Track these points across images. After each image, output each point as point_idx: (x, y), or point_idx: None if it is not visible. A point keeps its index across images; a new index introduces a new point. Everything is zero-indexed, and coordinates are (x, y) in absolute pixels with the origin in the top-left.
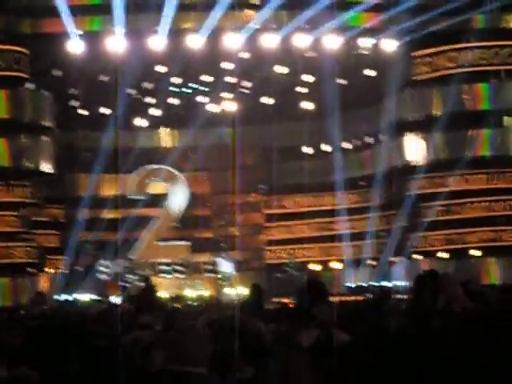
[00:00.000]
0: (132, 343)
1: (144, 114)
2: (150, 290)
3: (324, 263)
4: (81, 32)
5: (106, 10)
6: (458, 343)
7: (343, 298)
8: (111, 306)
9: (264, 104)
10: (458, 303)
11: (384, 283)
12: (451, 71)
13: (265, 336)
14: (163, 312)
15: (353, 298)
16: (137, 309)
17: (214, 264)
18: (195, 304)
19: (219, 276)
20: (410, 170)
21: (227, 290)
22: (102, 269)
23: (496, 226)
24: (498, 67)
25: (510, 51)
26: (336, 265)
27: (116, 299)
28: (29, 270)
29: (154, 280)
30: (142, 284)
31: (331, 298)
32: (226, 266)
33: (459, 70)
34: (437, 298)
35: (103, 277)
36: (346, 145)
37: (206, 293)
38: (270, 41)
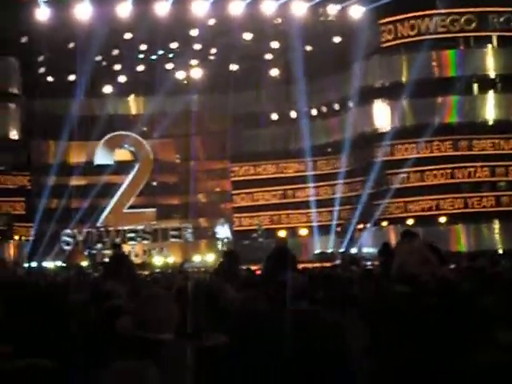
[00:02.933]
0: (99, 310)
1: (111, 80)
2: (118, 257)
3: (291, 230)
4: None
5: None
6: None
7: (310, 265)
8: (79, 273)
9: (231, 71)
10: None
11: (352, 250)
12: (418, 38)
13: (234, 302)
14: (131, 278)
15: (319, 264)
16: (104, 276)
17: (212, 229)
18: (162, 270)
19: (218, 241)
20: (377, 136)
21: (194, 257)
22: (67, 237)
23: (462, 193)
24: (456, 34)
25: (469, 18)
26: (304, 231)
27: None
28: None
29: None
30: (110, 251)
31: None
32: (223, 231)
33: (426, 37)
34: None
35: (69, 244)
36: (313, 111)
37: (173, 259)
38: (237, 7)
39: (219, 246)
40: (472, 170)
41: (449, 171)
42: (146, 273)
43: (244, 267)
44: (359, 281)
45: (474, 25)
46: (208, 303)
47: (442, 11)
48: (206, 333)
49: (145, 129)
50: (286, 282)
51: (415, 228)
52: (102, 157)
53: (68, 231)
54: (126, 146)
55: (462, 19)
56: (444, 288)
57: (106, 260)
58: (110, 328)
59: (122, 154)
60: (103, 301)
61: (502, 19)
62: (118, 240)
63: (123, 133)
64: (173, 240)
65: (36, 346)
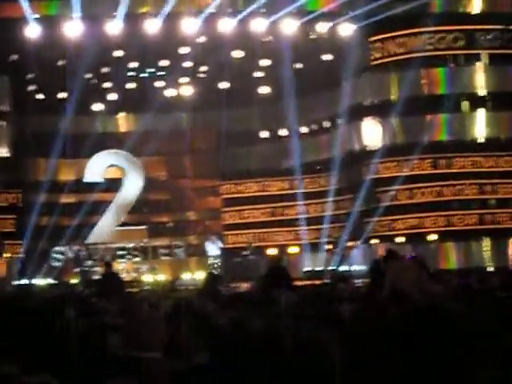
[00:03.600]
0: (90, 327)
1: (101, 98)
2: (109, 275)
3: (282, 248)
4: (38, 16)
5: None
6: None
7: (300, 283)
8: (71, 291)
9: (221, 88)
10: (413, 288)
11: (342, 268)
12: (408, 56)
13: (219, 321)
14: (121, 297)
15: (309, 282)
16: (95, 293)
17: (203, 246)
18: (151, 288)
19: (209, 259)
20: (367, 154)
21: (184, 275)
22: (57, 255)
23: (453, 211)
24: (445, 52)
25: (457, 36)
26: (294, 249)
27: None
28: None
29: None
30: (101, 269)
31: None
32: (213, 249)
33: (416, 55)
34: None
35: (59, 262)
36: (303, 129)
37: (163, 277)
38: (227, 25)
39: (209, 264)
40: (461, 187)
41: (438, 189)
42: (136, 290)
43: (234, 285)
44: (349, 299)
45: (462, 42)
46: (194, 322)
47: (430, 29)
48: (193, 351)
49: (135, 146)
50: (279, 300)
51: (405, 246)
52: (92, 174)
53: (58, 248)
54: (116, 163)
55: (450, 37)
56: (433, 307)
57: (97, 277)
58: (99, 345)
59: (113, 172)
60: (93, 317)
61: (489, 37)
62: (108, 258)
63: (114, 150)
64: (163, 258)
65: (34, 363)
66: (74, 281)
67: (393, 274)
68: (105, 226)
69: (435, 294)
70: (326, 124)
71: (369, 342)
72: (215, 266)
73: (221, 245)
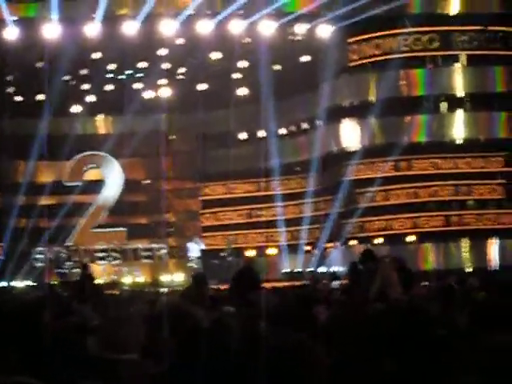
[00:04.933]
0: (66, 329)
1: (80, 100)
2: (85, 277)
3: (260, 249)
4: (16, 18)
5: None
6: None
7: (277, 284)
8: (51, 293)
9: (199, 90)
10: (393, 289)
11: (320, 269)
12: (386, 57)
13: (203, 323)
14: (98, 299)
15: (288, 284)
16: (71, 296)
17: (182, 248)
18: (130, 290)
19: (189, 260)
20: (345, 155)
21: (164, 277)
22: (37, 256)
23: (431, 212)
24: (423, 53)
25: (435, 37)
26: (272, 251)
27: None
28: None
29: (92, 267)
30: (79, 271)
31: (266, 284)
32: (194, 251)
33: (394, 56)
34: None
35: (39, 264)
36: (281, 130)
37: (143, 279)
38: (205, 27)
39: (190, 265)
40: (439, 188)
41: (416, 190)
42: (115, 292)
43: (213, 286)
44: (327, 301)
45: (439, 43)
46: (174, 323)
47: (408, 30)
48: (172, 353)
49: (113, 148)
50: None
51: (384, 247)
52: (71, 176)
53: (39, 249)
54: (95, 165)
55: (428, 38)
56: (415, 308)
57: (73, 279)
58: (76, 347)
59: (91, 174)
60: (69, 319)
61: (467, 38)
62: (86, 259)
63: (92, 152)
64: (144, 260)
65: (8, 364)
66: (53, 282)
67: (383, 276)
68: (84, 228)
69: (417, 296)
70: (305, 125)
71: (347, 345)
72: (195, 267)
73: (203, 246)
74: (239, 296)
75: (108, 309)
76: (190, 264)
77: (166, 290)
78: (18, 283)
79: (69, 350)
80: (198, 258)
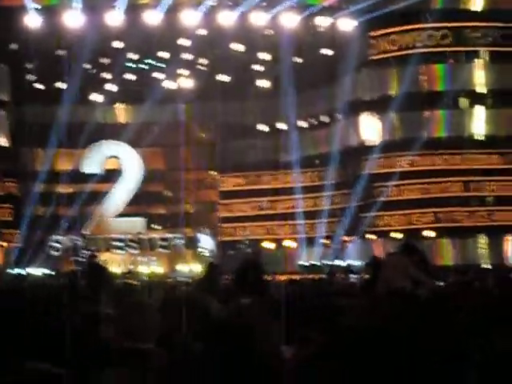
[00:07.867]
0: (86, 318)
1: (100, 89)
2: (94, 266)
3: (278, 241)
4: (38, 6)
5: None
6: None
7: (294, 276)
8: (69, 281)
9: (220, 81)
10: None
11: (337, 262)
12: (407, 51)
13: (216, 313)
14: (113, 288)
15: (304, 276)
16: (86, 284)
17: (194, 239)
18: (147, 280)
19: (200, 251)
20: (364, 149)
21: (180, 267)
22: (54, 244)
23: (449, 207)
24: (445, 49)
25: (457, 32)
26: (290, 243)
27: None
28: None
29: (106, 256)
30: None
31: (282, 276)
32: (206, 242)
33: (415, 51)
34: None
35: (57, 251)
36: (301, 123)
37: (160, 269)
38: (227, 18)
39: (205, 255)
40: (458, 184)
41: (435, 185)
42: (132, 282)
43: (227, 277)
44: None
45: (459, 39)
46: (188, 313)
47: (430, 25)
48: (185, 342)
49: (133, 138)
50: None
51: (401, 241)
52: (90, 165)
53: (56, 237)
54: (114, 154)
55: (447, 33)
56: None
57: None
58: (96, 336)
59: (110, 163)
60: (87, 308)
61: (487, 34)
62: (93, 248)
63: (111, 141)
64: (160, 250)
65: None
66: (71, 269)
67: (387, 272)
68: (103, 217)
69: (426, 284)
70: (325, 119)
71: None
72: (211, 258)
73: (209, 237)
74: (242, 287)
75: (122, 298)
76: (202, 254)
77: (183, 279)
78: (35, 270)
79: (88, 339)
80: (210, 249)
